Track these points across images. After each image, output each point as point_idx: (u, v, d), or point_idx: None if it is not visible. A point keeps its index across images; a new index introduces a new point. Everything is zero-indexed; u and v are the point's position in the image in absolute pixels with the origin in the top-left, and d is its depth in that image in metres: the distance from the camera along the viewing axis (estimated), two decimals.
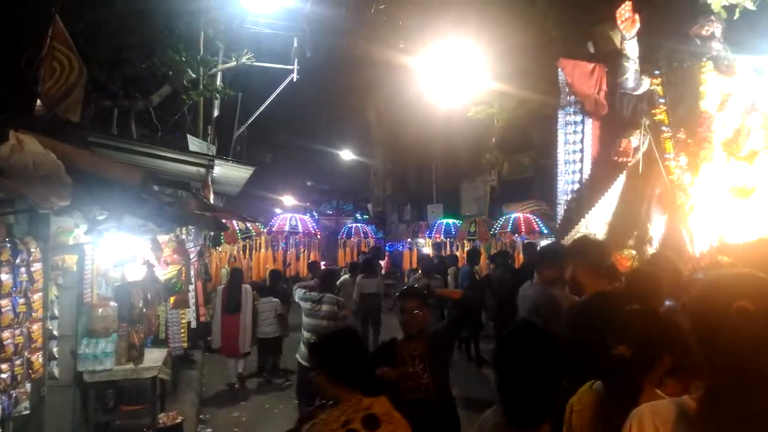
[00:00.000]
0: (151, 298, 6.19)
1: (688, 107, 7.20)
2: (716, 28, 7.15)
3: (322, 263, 15.44)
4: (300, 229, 17.71)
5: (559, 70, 7.96)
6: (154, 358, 6.11)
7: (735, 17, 6.38)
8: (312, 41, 16.21)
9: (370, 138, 37.14)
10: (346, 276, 11.16)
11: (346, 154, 34.11)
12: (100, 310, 5.64)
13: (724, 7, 6.21)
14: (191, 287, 8.15)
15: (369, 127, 36.47)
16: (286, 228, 17.43)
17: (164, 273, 6.79)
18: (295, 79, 15.72)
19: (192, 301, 8.25)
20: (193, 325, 8.55)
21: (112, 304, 5.74)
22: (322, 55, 18.65)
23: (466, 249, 15.38)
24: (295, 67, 15.68)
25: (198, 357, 9.98)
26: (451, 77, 13.00)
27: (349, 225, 23.58)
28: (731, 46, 7.39)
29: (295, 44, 15.67)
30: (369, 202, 38.46)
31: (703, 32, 7.19)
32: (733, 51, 7.37)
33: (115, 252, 5.93)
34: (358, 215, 34.29)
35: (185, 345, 8.14)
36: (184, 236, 7.62)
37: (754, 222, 6.82)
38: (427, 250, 16.56)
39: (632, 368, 2.00)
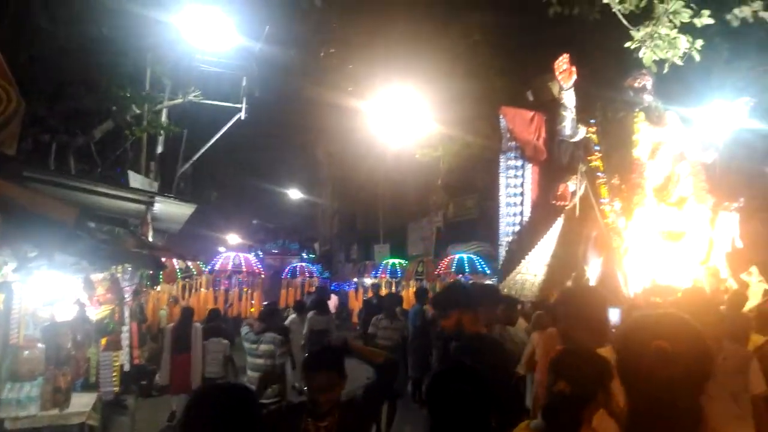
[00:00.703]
0: (81, 339, 5.90)
1: (621, 155, 7.57)
2: (648, 81, 7.62)
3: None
4: (243, 268, 17.35)
5: (501, 117, 8.26)
6: (82, 403, 5.78)
7: (665, 71, 6.78)
8: (261, 80, 16.27)
9: (319, 177, 37.17)
10: (294, 316, 10.98)
11: (294, 193, 33.95)
12: (26, 351, 5.33)
13: (654, 61, 6.60)
14: (125, 328, 7.82)
15: (317, 166, 36.55)
16: (229, 267, 17.04)
17: (96, 312, 6.49)
18: (243, 118, 15.67)
19: (125, 342, 7.90)
20: (127, 368, 8.17)
21: (40, 345, 5.44)
22: (272, 95, 18.73)
23: (412, 289, 15.42)
24: (244, 105, 15.66)
25: (131, 402, 9.48)
26: (398, 121, 13.28)
27: (294, 264, 23.28)
28: (661, 98, 7.88)
29: (244, 83, 15.69)
30: (316, 241, 38.20)
31: (636, 84, 7.65)
32: (663, 103, 7.86)
33: (45, 290, 5.65)
34: (304, 254, 33.92)
35: (116, 389, 7.75)
36: (119, 275, 7.34)
37: (684, 264, 7.17)
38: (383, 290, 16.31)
39: (572, 404, 2.06)
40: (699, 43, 6.32)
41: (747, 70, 10.48)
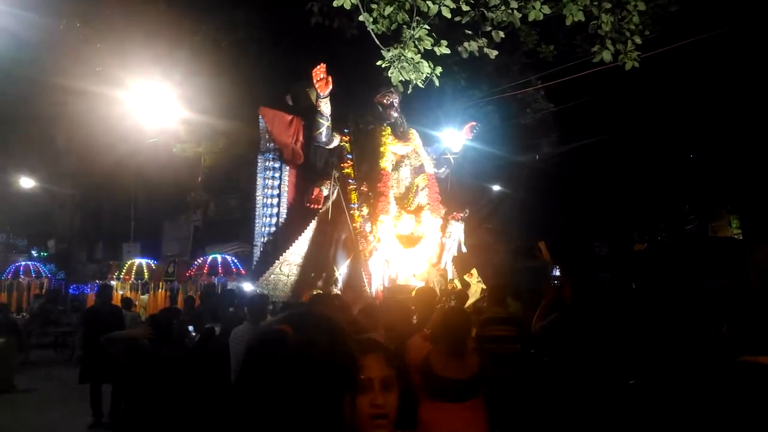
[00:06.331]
0: None
1: (370, 164, 8.14)
2: (395, 99, 8.30)
3: None
4: None
5: (260, 117, 8.27)
6: None
7: (409, 92, 7.39)
8: None
9: (58, 166, 32.75)
10: None
11: (26, 182, 29.37)
12: None
13: (401, 81, 7.14)
14: None
15: (57, 153, 32.19)
16: None
17: None
18: None
19: None
20: None
21: None
22: None
23: (161, 291, 14.50)
24: None
25: None
26: (155, 111, 12.38)
27: (18, 263, 20.17)
28: (406, 115, 8.65)
29: None
30: (51, 237, 33.59)
31: (385, 101, 8.28)
32: (408, 120, 8.64)
33: None
34: (34, 252, 29.61)
35: None
36: None
37: (419, 266, 7.98)
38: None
39: None
40: (439, 69, 7.02)
41: (478, 98, 12.17)
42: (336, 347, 1.35)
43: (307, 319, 1.36)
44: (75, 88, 14.42)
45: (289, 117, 8.25)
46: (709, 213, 17.91)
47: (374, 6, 6.47)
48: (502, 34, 6.48)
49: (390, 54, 6.64)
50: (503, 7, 6.18)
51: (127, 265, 17.29)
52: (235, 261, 14.58)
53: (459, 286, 7.91)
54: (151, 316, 5.74)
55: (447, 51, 6.62)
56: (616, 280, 13.64)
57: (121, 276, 16.90)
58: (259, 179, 8.33)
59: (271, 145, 8.33)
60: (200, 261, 14.77)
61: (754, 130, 12.94)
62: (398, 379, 1.62)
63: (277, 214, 8.35)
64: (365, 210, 7.89)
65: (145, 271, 16.73)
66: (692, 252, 13.97)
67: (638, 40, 6.44)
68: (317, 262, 7.94)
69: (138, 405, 3.97)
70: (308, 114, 8.06)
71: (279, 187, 8.36)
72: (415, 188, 8.27)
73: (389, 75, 6.88)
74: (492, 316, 5.40)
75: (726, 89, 12.23)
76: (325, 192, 7.97)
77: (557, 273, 14.81)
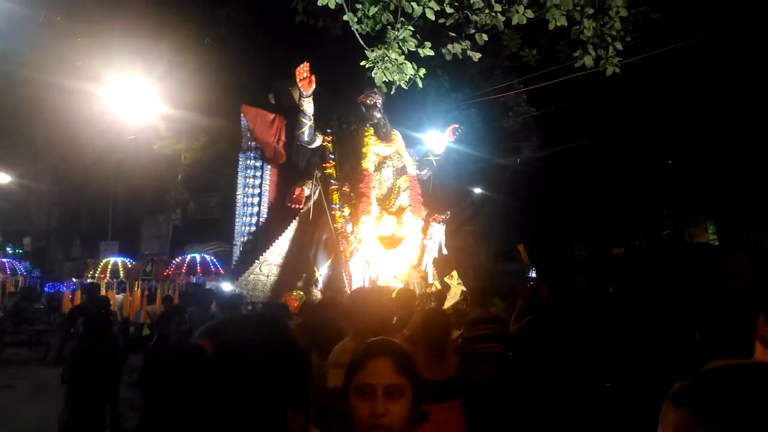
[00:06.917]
0: None
1: (352, 165, 8.11)
2: (378, 100, 8.27)
3: None
4: None
5: (242, 115, 8.20)
6: None
7: (392, 93, 7.36)
8: None
9: (35, 162, 32.17)
10: None
11: (1, 178, 28.82)
12: None
13: (384, 82, 7.11)
14: None
15: (35, 149, 31.62)
16: None
17: None
18: None
19: None
20: None
21: None
22: None
23: (137, 291, 14.28)
24: None
25: None
26: (136, 107, 12.21)
27: None
28: (389, 116, 8.63)
29: None
30: (27, 234, 32.97)
31: (368, 101, 8.25)
32: (390, 121, 8.62)
33: None
34: (9, 249, 29.08)
35: None
36: None
37: (400, 267, 7.96)
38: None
39: None
40: (422, 71, 7.00)
41: (461, 100, 12.21)
42: (275, 348, 1.31)
43: (227, 327, 1.33)
44: (54, 82, 14.16)
45: (272, 115, 8.19)
46: (686, 219, 18.21)
47: (359, 6, 6.43)
48: (485, 37, 6.48)
49: (374, 54, 6.61)
50: (487, 11, 6.19)
51: (102, 264, 17.00)
52: (215, 260, 14.43)
53: (439, 287, 7.91)
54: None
55: (431, 53, 6.61)
56: (595, 283, 13.78)
57: (96, 275, 16.58)
58: (239, 178, 8.27)
59: (253, 143, 8.27)
60: (179, 260, 14.59)
61: (732, 137, 13.16)
62: (412, 387, 1.51)
63: (258, 214, 8.29)
64: (347, 210, 7.86)
65: (121, 269, 16.45)
66: (669, 257, 14.18)
67: (619, 46, 6.50)
68: (297, 263, 7.89)
69: (81, 401, 3.93)
70: (291, 113, 8.00)
71: (260, 186, 8.30)
72: (397, 189, 8.26)
73: (373, 75, 6.84)
74: (478, 317, 5.43)
75: (705, 96, 12.42)
76: (307, 192, 7.92)
77: (533, 275, 14.92)
